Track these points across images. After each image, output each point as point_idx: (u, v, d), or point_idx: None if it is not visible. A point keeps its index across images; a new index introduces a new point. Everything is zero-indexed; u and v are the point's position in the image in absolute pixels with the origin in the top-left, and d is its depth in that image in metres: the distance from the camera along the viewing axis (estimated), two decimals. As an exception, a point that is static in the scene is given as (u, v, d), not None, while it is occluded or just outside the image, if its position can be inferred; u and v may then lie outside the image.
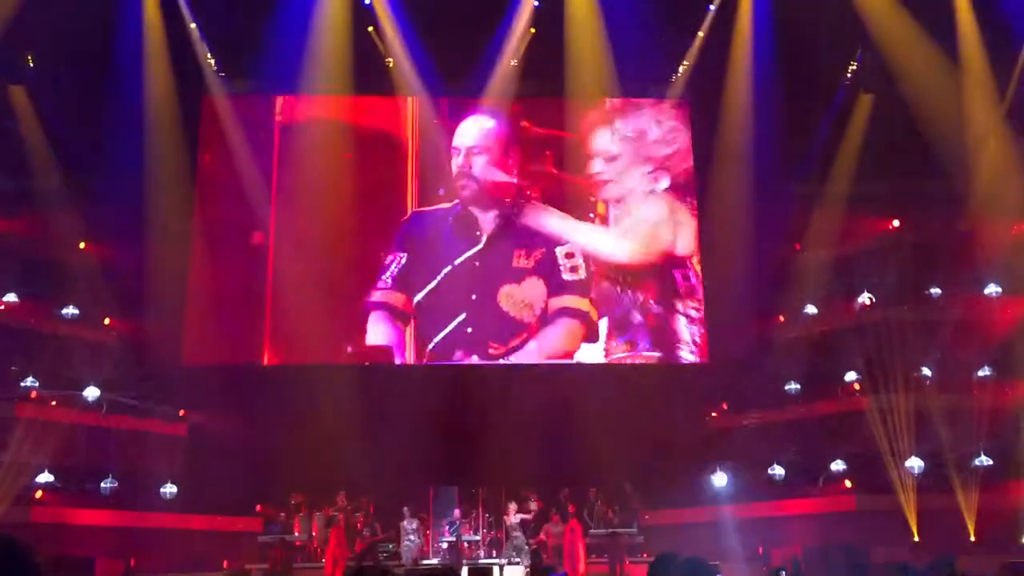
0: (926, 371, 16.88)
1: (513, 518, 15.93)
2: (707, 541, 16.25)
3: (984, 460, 15.89)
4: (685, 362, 17.62)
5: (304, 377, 17.37)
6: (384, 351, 14.68)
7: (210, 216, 17.25)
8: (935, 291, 17.69)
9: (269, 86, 18.11)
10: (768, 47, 17.97)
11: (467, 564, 15.14)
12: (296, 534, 16.12)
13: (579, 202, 15.64)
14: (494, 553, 16.35)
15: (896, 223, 18.27)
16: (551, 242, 15.02)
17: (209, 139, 18.34)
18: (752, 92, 18.20)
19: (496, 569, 15.19)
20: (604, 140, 16.57)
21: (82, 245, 17.65)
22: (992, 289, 17.28)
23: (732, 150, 18.11)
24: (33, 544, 2.06)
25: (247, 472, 16.48)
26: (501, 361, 17.22)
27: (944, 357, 16.76)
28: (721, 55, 18.32)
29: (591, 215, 15.79)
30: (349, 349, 14.63)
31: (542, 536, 15.95)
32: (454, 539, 16.13)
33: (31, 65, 17.29)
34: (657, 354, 15.36)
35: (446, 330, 14.80)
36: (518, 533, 15.80)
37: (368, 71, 18.07)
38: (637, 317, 15.60)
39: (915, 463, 15.91)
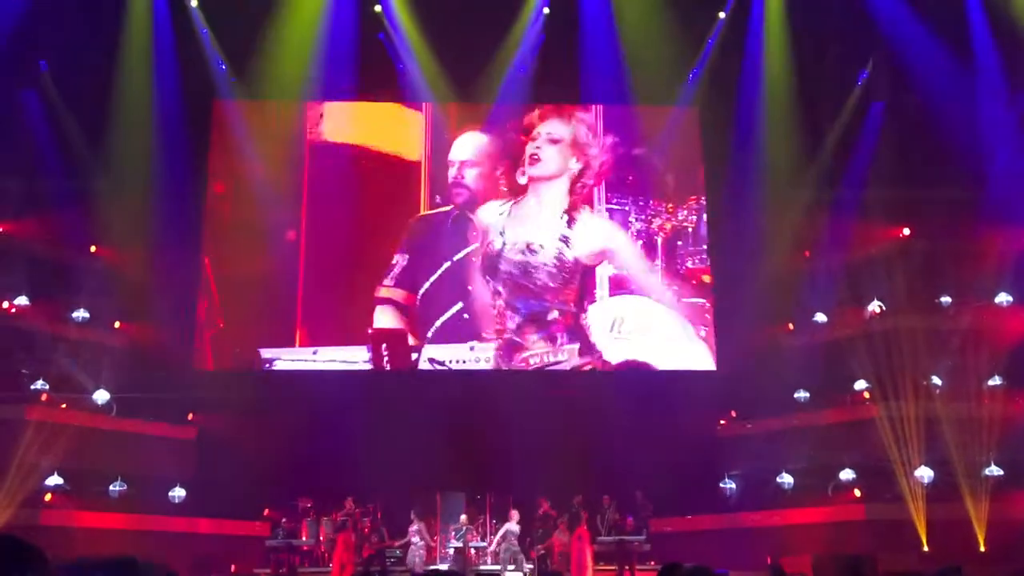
0: (936, 380, 16.80)
1: (508, 525, 15.82)
2: (715, 548, 16.23)
3: (994, 470, 15.80)
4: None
5: (312, 382, 17.41)
6: (399, 333, 16.23)
7: (222, 218, 17.68)
8: (945, 300, 17.62)
9: (280, 92, 18.20)
10: (778, 54, 17.99)
11: (473, 571, 15.12)
12: (303, 539, 16.12)
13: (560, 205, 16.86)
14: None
15: (906, 231, 18.21)
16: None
17: (220, 143, 18.47)
18: (762, 100, 18.21)
19: (501, 576, 15.22)
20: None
21: (92, 248, 17.72)
22: (1003, 298, 17.22)
23: (742, 157, 18.10)
24: (42, 548, 2.06)
25: (255, 476, 16.50)
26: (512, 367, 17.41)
27: (954, 366, 16.67)
28: (731, 63, 18.33)
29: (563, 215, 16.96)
30: (369, 330, 16.26)
31: (549, 543, 15.93)
32: (460, 545, 16.11)
33: (42, 70, 17.39)
34: (575, 346, 16.45)
35: (444, 316, 16.23)
36: (506, 544, 15.69)
37: (379, 78, 18.23)
38: (555, 314, 16.51)
39: (925, 472, 15.84)
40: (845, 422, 16.96)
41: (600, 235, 16.97)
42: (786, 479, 17.16)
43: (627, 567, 15.29)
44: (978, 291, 17.32)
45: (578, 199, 17.02)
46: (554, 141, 17.14)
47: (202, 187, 18.40)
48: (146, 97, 17.47)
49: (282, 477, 16.61)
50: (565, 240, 16.72)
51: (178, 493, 16.92)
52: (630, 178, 17.51)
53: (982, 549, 15.04)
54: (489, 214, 16.93)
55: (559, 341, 16.61)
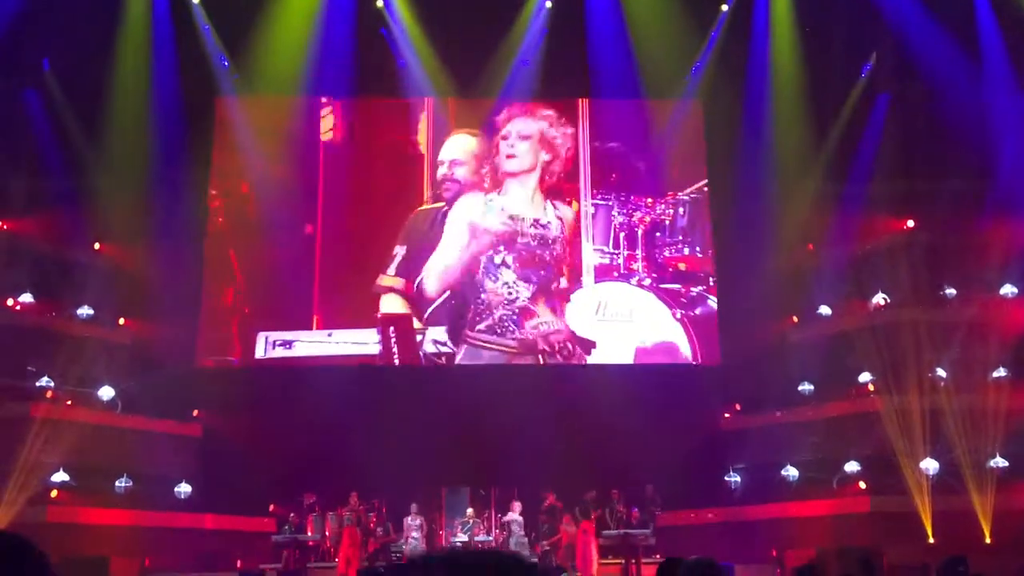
0: (941, 372, 16.78)
1: (510, 515, 15.87)
2: (720, 541, 16.25)
3: (999, 461, 15.79)
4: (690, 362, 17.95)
5: (317, 377, 17.46)
6: (405, 317, 17.34)
7: (243, 213, 18.27)
8: (950, 291, 17.59)
9: (282, 88, 18.25)
10: (783, 47, 17.97)
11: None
12: (309, 534, 16.16)
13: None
14: (507, 553, 16.34)
15: (911, 223, 18.18)
16: None
17: (223, 140, 18.65)
18: (766, 92, 18.19)
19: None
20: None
21: (96, 245, 17.75)
22: (1008, 289, 17.18)
23: (745, 150, 18.09)
24: (44, 548, 2.06)
25: (260, 472, 16.55)
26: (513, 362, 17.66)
27: (959, 358, 16.65)
28: (735, 55, 18.31)
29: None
30: (378, 315, 17.31)
31: (556, 537, 15.96)
32: (466, 539, 16.15)
33: (45, 69, 17.41)
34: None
35: (435, 303, 17.38)
36: (519, 532, 15.75)
37: (381, 74, 18.29)
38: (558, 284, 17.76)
39: (930, 464, 15.83)
40: (850, 415, 16.95)
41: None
42: (791, 472, 17.16)
43: (633, 561, 15.30)
44: (983, 283, 17.27)
45: (552, 186, 18.00)
46: (524, 137, 17.97)
47: (204, 183, 18.47)
48: (147, 94, 17.50)
49: (287, 473, 16.65)
50: (560, 219, 17.75)
51: (183, 489, 16.96)
52: (613, 176, 18.29)
53: (988, 541, 15.03)
54: (475, 205, 17.83)
55: (558, 312, 17.54)
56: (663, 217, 18.17)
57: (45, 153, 17.13)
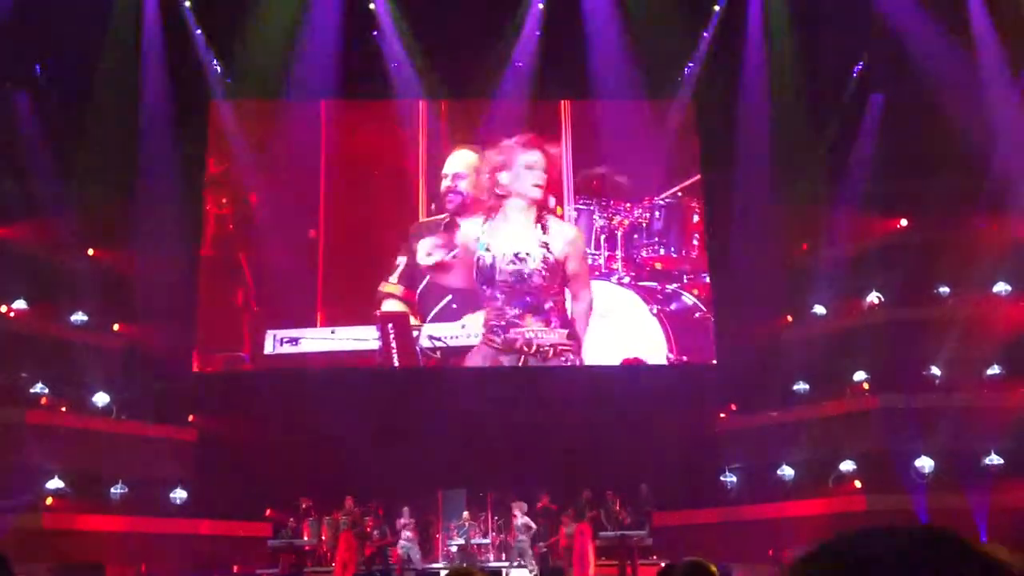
0: (935, 370, 16.83)
1: (519, 520, 15.86)
2: (717, 542, 16.26)
3: (994, 459, 15.83)
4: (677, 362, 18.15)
5: (312, 382, 17.48)
6: (402, 315, 18.07)
7: (251, 218, 18.81)
8: (944, 290, 17.64)
9: (276, 92, 18.31)
10: (776, 47, 18.01)
11: (479, 567, 15.15)
12: (306, 538, 16.13)
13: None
14: (503, 556, 16.35)
15: (904, 222, 18.23)
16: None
17: (217, 143, 18.87)
18: (759, 92, 18.22)
19: (504, 573, 15.22)
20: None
21: (90, 251, 17.72)
22: (1001, 287, 17.23)
23: (739, 150, 18.13)
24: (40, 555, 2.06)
25: (256, 477, 16.54)
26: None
27: (953, 356, 16.70)
28: (729, 55, 18.35)
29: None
30: (378, 312, 18.01)
31: (555, 539, 15.96)
32: (463, 542, 16.14)
33: (38, 71, 17.37)
34: (566, 331, 18.00)
35: (438, 307, 18.07)
36: (523, 536, 15.75)
37: (374, 77, 18.34)
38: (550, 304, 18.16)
39: (925, 463, 15.87)
40: (845, 414, 16.98)
41: (564, 236, 18.49)
42: (787, 471, 17.19)
43: (629, 562, 15.29)
44: (976, 281, 17.30)
45: (543, 207, 18.45)
46: (529, 167, 18.45)
47: (198, 188, 18.51)
48: (139, 98, 17.49)
49: (283, 477, 16.63)
50: (545, 245, 18.08)
51: (179, 495, 16.94)
52: (594, 183, 18.98)
53: (983, 538, 15.05)
54: (472, 228, 18.40)
55: (552, 324, 17.99)
56: (640, 220, 18.87)
57: (36, 157, 17.07)
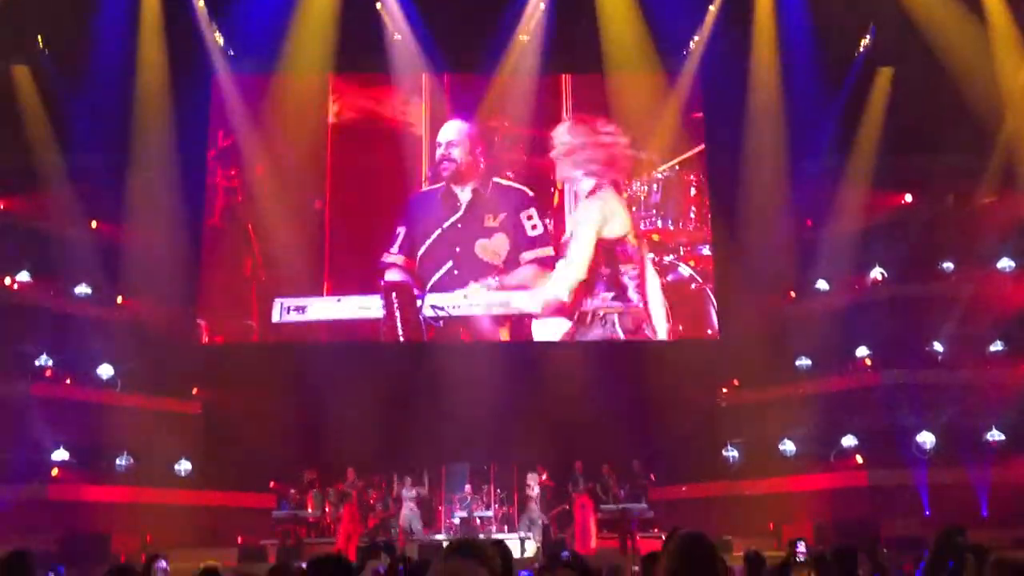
0: (938, 346, 16.83)
1: (534, 490, 16.00)
2: (718, 516, 16.35)
3: (996, 435, 15.87)
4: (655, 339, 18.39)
5: (315, 354, 17.54)
6: (406, 284, 18.48)
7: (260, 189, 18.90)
8: (947, 266, 17.61)
9: (277, 65, 18.25)
10: (782, 21, 17.86)
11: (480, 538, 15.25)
12: (309, 510, 16.25)
13: (541, 182, 19.13)
14: (506, 528, 16.46)
15: (908, 198, 18.16)
16: (513, 208, 18.85)
17: (221, 117, 18.91)
18: (766, 67, 18.10)
19: (519, 542, 15.35)
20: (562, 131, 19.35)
21: (93, 224, 17.73)
22: (1005, 263, 17.19)
23: (744, 126, 18.03)
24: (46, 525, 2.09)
25: (260, 449, 16.62)
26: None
27: (956, 332, 16.70)
28: (734, 30, 18.21)
29: (551, 190, 19.16)
30: (382, 282, 18.37)
31: (556, 511, 16.06)
32: (465, 515, 16.24)
33: (40, 45, 17.29)
34: (611, 294, 18.49)
35: (439, 273, 18.44)
36: (535, 506, 15.86)
37: (377, 50, 18.28)
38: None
39: (927, 438, 15.90)
40: (847, 389, 17.01)
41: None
42: (788, 446, 17.23)
43: (629, 535, 15.40)
44: (980, 257, 17.27)
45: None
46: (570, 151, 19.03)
47: (200, 160, 18.51)
48: (141, 70, 17.41)
49: (287, 450, 16.71)
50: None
51: (184, 466, 17.03)
52: (592, 152, 19.10)
53: (984, 514, 15.13)
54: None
55: (596, 289, 18.49)
56: (639, 193, 19.07)
57: (37, 130, 17.03)
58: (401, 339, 18.13)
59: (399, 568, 4.87)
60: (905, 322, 16.67)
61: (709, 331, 18.52)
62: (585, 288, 18.38)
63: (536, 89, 18.83)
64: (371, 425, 16.20)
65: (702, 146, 19.02)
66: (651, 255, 18.70)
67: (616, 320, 18.22)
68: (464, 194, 18.86)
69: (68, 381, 16.49)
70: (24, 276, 16.86)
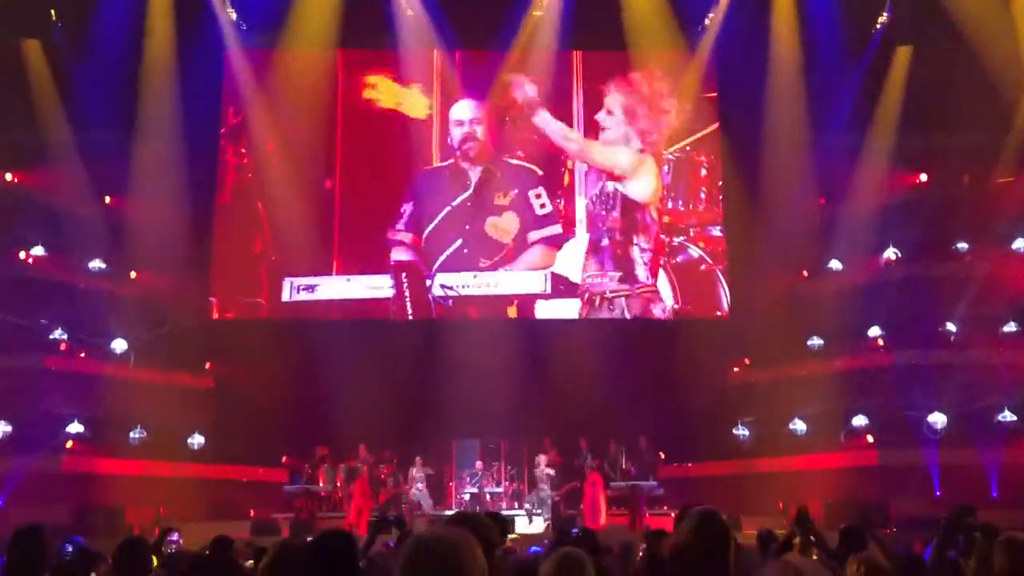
0: (951, 326, 16.75)
1: (543, 470, 16.05)
2: (728, 494, 16.39)
3: (1008, 415, 15.82)
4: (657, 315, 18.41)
5: (327, 330, 17.60)
6: (415, 264, 18.51)
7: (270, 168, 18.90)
8: (961, 246, 17.50)
9: (288, 41, 18.25)
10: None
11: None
12: (321, 484, 16.37)
13: (552, 162, 19.08)
14: (516, 505, 16.55)
15: (923, 177, 18.03)
16: (523, 186, 18.81)
17: (232, 94, 18.90)
18: (781, 42, 17.95)
19: (517, 519, 15.44)
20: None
21: (107, 199, 17.78)
22: (1021, 244, 17.08)
23: (757, 103, 17.90)
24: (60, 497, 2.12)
25: (273, 424, 16.74)
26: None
27: (969, 312, 16.61)
28: (751, 4, 18.06)
29: (562, 170, 19.18)
30: (392, 262, 18.45)
31: (566, 488, 16.13)
32: (476, 491, 16.33)
33: (53, 19, 17.28)
34: (619, 274, 18.39)
35: (448, 251, 18.46)
36: (544, 486, 15.93)
37: (389, 25, 18.21)
38: (604, 241, 18.55)
39: (938, 418, 15.87)
40: (859, 369, 16.97)
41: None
42: (799, 425, 17.23)
43: (639, 512, 15.46)
44: (994, 237, 17.15)
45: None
46: (610, 112, 18.85)
47: (214, 136, 18.51)
48: (157, 47, 17.39)
49: (299, 424, 16.83)
50: (618, 178, 18.65)
51: (197, 440, 17.16)
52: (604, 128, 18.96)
53: (994, 495, 15.12)
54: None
55: (605, 267, 18.44)
56: None
57: (49, 105, 17.05)
58: (411, 317, 18.17)
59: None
60: (918, 302, 16.59)
61: (719, 312, 18.48)
62: (596, 263, 18.32)
63: (549, 67, 18.70)
64: (382, 401, 16.28)
65: (714, 126, 18.91)
66: (663, 236, 18.68)
67: (624, 304, 18.16)
68: (474, 172, 18.84)
69: (82, 355, 16.60)
70: (39, 250, 16.95)
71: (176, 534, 7.98)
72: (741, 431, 18.02)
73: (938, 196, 17.43)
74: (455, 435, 17.66)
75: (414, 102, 19.10)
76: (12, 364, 15.58)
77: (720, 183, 18.80)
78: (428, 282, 18.31)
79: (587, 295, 18.25)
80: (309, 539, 3.91)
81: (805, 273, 18.61)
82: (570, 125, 18.92)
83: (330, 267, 18.58)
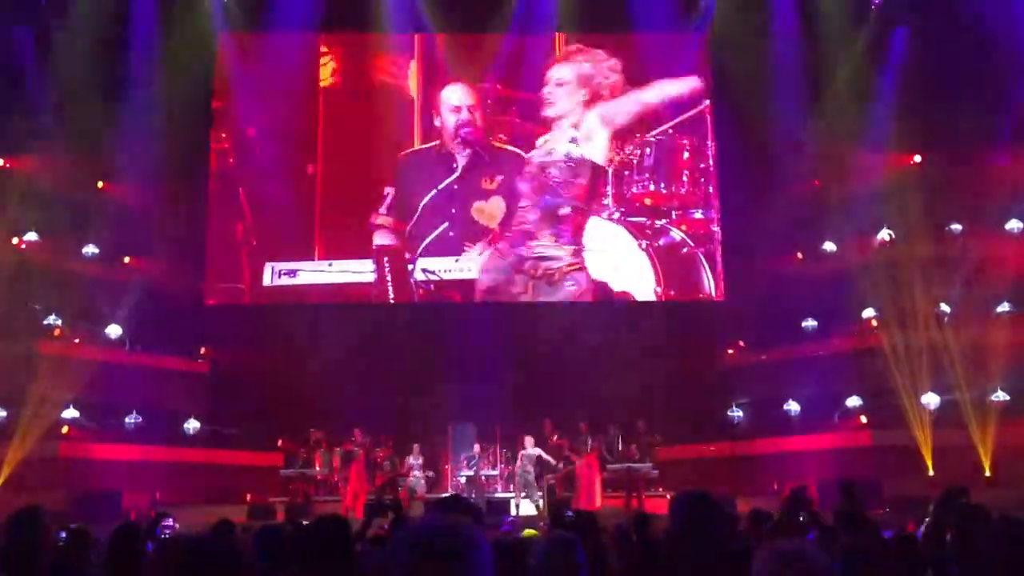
0: (944, 307, 16.79)
1: (529, 451, 16.02)
2: (723, 475, 16.46)
3: (1000, 396, 15.88)
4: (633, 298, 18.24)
5: (323, 315, 17.61)
6: (397, 248, 18.35)
7: (228, 150, 18.86)
8: (955, 227, 17.51)
9: (269, 25, 18.25)
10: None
11: (485, 499, 15.41)
12: (317, 468, 16.40)
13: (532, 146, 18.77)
14: (511, 487, 16.61)
15: (917, 158, 18.02)
16: (510, 171, 18.59)
17: (225, 76, 18.84)
18: (775, 21, 17.90)
19: (512, 503, 15.48)
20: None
21: (100, 184, 17.71)
22: (1014, 225, 17.10)
23: (750, 84, 17.85)
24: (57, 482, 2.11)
25: (268, 408, 16.75)
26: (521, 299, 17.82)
27: (962, 293, 16.65)
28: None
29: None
30: (374, 245, 18.30)
31: (565, 471, 16.17)
32: (472, 474, 16.38)
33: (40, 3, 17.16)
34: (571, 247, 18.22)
35: (433, 234, 18.30)
36: (529, 467, 15.91)
37: (371, 8, 18.12)
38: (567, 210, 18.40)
39: (931, 399, 15.94)
40: (853, 350, 17.02)
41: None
42: (793, 407, 17.29)
43: (635, 494, 15.53)
44: (988, 218, 17.16)
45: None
46: (560, 84, 18.63)
47: (207, 121, 18.43)
48: (149, 31, 17.29)
49: (295, 409, 16.83)
50: (574, 140, 18.38)
51: (192, 425, 17.18)
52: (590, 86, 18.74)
53: (987, 474, 15.20)
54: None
55: (561, 239, 18.20)
56: (631, 157, 18.84)
57: (41, 91, 16.94)
58: (392, 301, 18.06)
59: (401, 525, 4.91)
60: (911, 283, 16.61)
61: (701, 295, 18.37)
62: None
63: (531, 50, 18.72)
64: (377, 385, 16.31)
65: (699, 108, 18.78)
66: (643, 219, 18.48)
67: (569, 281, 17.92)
68: (462, 156, 18.70)
69: (76, 340, 16.58)
70: (32, 236, 16.89)
71: (170, 519, 7.98)
72: (736, 413, 18.08)
73: (932, 177, 17.41)
74: (450, 419, 17.68)
75: (396, 85, 19.01)
76: (6, 350, 15.54)
77: (703, 165, 18.68)
78: (410, 266, 18.22)
79: (531, 272, 17.98)
80: (304, 523, 3.92)
81: (800, 255, 18.61)
82: (541, 106, 18.65)
83: (312, 252, 18.49)
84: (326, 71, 19.22)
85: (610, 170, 18.53)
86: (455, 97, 18.87)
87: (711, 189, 18.67)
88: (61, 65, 16.89)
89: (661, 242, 18.52)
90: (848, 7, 17.90)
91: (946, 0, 16.48)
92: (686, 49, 19.02)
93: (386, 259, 18.22)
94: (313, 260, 18.45)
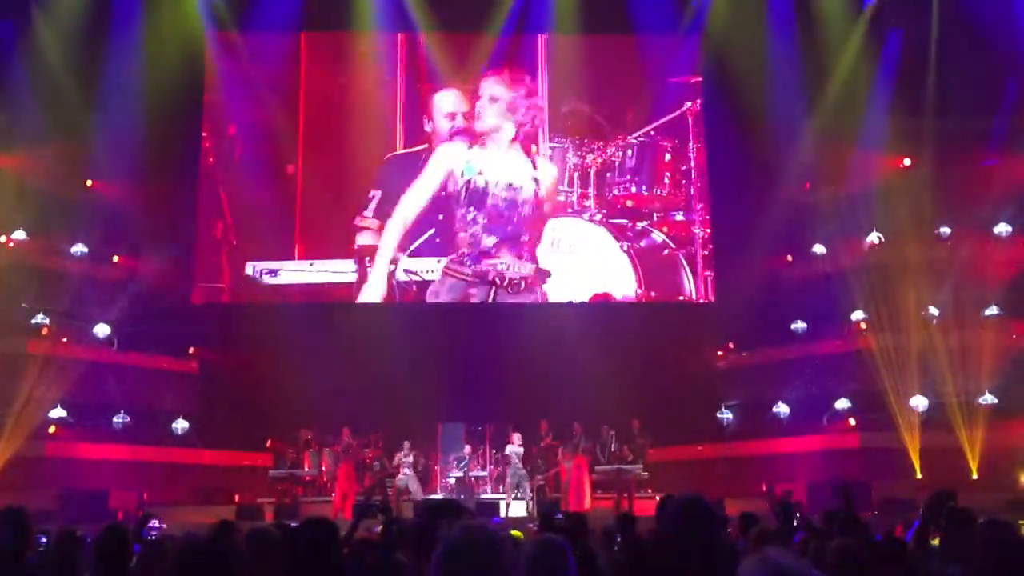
0: (933, 310, 16.84)
1: (512, 448, 15.95)
2: (712, 477, 16.48)
3: (988, 399, 15.94)
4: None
5: (312, 315, 17.55)
6: (376, 248, 18.16)
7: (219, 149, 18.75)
8: (944, 230, 17.57)
9: (251, 23, 18.21)
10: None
11: (475, 499, 15.38)
12: (306, 469, 16.36)
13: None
14: (500, 488, 16.59)
15: (907, 161, 18.07)
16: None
17: (214, 74, 18.71)
18: (765, 25, 17.92)
19: (502, 504, 15.46)
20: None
21: (88, 182, 17.62)
22: (1002, 228, 17.17)
23: (743, 86, 17.87)
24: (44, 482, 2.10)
25: (257, 408, 16.69)
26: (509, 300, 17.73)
27: (951, 296, 16.70)
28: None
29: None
30: (355, 246, 18.18)
31: (553, 471, 16.16)
32: (461, 475, 16.35)
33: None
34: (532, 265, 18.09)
35: (420, 240, 18.14)
36: (518, 464, 15.87)
37: (353, 8, 18.08)
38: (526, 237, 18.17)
39: (919, 401, 15.99)
40: (841, 353, 17.06)
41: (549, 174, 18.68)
42: (782, 409, 17.33)
43: (625, 495, 15.53)
44: (977, 221, 17.22)
45: (526, 144, 18.51)
46: (493, 100, 18.57)
47: (196, 119, 18.35)
48: (138, 27, 17.22)
49: (284, 409, 16.77)
50: (536, 180, 18.28)
51: (181, 425, 17.11)
52: (568, 122, 18.95)
53: (974, 476, 15.25)
54: (454, 153, 18.41)
55: (524, 258, 18.10)
56: (613, 159, 18.88)
57: (27, 88, 16.83)
58: (376, 301, 17.92)
59: (391, 529, 4.89)
60: (901, 286, 16.66)
61: (681, 296, 18.34)
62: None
63: (514, 51, 18.67)
64: (368, 385, 16.26)
65: (681, 109, 18.77)
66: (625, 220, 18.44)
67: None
68: (448, 158, 18.43)
69: (65, 340, 16.50)
70: (20, 234, 16.80)
71: (155, 520, 7.94)
72: (726, 414, 18.11)
73: (921, 180, 17.46)
74: (439, 419, 17.65)
75: (378, 86, 18.89)
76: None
77: (684, 167, 18.68)
78: (392, 267, 18.08)
79: (495, 281, 17.80)
80: (292, 526, 3.90)
81: (789, 257, 18.65)
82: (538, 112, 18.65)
83: (292, 252, 18.38)
84: (307, 69, 19.04)
85: (592, 171, 18.59)
86: (449, 103, 18.75)
87: (692, 191, 18.66)
88: (45, 62, 16.76)
89: (642, 243, 18.52)
90: (842, 10, 17.91)
91: (939, 3, 16.49)
92: (680, 50, 18.97)
93: (368, 259, 18.13)
94: (293, 260, 18.34)
